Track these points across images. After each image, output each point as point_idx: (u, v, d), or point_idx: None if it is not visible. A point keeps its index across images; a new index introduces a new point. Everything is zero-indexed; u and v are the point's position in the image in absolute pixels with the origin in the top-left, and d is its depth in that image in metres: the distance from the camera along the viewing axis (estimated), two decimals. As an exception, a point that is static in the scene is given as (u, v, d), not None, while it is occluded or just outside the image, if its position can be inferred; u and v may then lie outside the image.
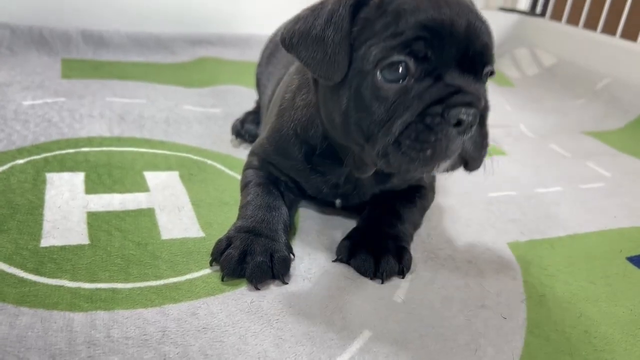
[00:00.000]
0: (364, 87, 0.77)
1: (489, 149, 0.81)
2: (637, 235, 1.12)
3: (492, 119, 0.82)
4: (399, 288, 0.85)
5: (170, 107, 1.55)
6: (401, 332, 0.76)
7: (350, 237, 0.93)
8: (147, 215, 0.98)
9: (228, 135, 1.41)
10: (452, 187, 1.26)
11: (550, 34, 2.62)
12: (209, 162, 1.24)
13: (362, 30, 0.78)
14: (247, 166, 1.07)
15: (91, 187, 1.05)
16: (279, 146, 0.99)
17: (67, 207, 0.96)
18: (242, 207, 0.94)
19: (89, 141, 1.25)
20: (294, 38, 0.82)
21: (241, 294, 0.79)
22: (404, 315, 0.79)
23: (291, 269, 0.86)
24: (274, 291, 0.81)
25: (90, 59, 1.96)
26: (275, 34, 1.48)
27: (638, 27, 2.25)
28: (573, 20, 2.59)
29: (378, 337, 0.74)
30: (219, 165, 1.23)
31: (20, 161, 1.11)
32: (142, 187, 1.08)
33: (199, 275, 0.83)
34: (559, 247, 1.05)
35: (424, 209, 1.05)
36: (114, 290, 0.77)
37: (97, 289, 0.76)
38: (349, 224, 1.02)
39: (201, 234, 0.94)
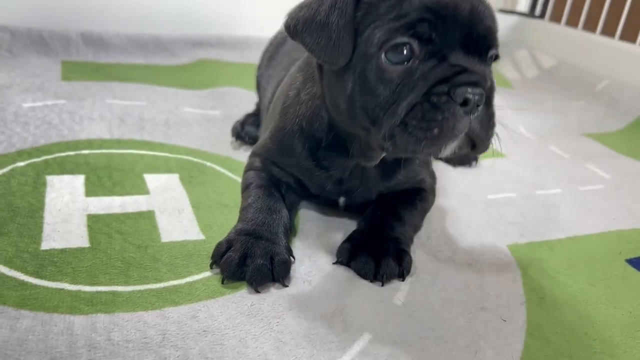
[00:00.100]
0: (369, 70, 0.77)
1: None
2: (637, 237, 1.12)
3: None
4: (399, 290, 0.85)
5: (170, 109, 1.55)
6: (401, 335, 0.76)
7: (350, 239, 0.93)
8: (147, 217, 0.98)
9: (228, 137, 1.41)
10: (451, 188, 1.26)
11: (549, 35, 2.62)
12: (209, 164, 1.24)
13: (366, 14, 0.78)
14: (248, 168, 1.06)
15: (91, 190, 1.05)
16: (282, 144, 1.00)
17: (68, 210, 0.96)
18: (243, 210, 0.94)
19: (89, 143, 1.25)
20: (298, 25, 0.82)
21: (241, 297, 0.79)
22: (404, 318, 0.79)
23: (291, 272, 0.86)
24: (274, 294, 0.81)
25: (90, 61, 1.95)
26: (275, 37, 1.48)
27: (637, 29, 2.25)
28: (572, 22, 2.59)
29: (378, 339, 0.74)
30: (218, 168, 1.23)
31: (21, 164, 1.11)
32: (142, 189, 1.08)
33: (199, 278, 0.83)
34: (559, 249, 1.05)
35: (425, 211, 1.06)
36: (114, 293, 0.77)
37: (97, 292, 0.76)
38: (349, 227, 1.02)
39: (201, 237, 0.94)
